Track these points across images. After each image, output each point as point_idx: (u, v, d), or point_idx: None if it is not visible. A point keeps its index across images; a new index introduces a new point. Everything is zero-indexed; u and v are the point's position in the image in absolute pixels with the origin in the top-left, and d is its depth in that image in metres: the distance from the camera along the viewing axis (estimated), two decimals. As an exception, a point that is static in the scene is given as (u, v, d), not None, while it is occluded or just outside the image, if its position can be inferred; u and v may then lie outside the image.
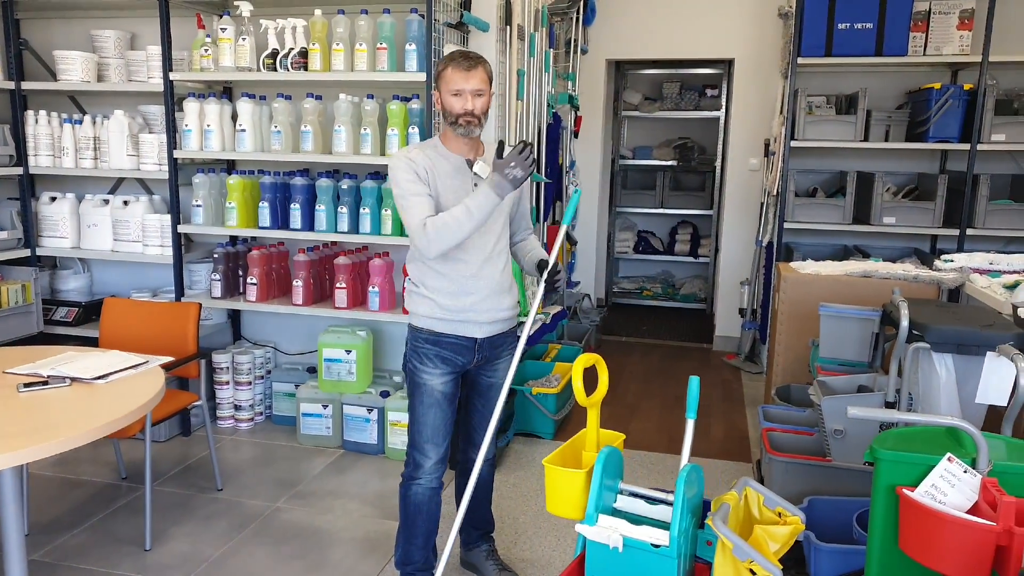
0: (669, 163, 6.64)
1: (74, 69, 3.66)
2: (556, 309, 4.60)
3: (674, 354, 5.49)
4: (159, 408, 2.91)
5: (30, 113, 3.76)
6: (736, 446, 3.80)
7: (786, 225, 4.54)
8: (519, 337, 2.49)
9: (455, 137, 2.28)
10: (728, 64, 5.68)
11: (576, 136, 5.31)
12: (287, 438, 3.76)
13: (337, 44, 3.32)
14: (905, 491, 1.79)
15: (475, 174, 2.29)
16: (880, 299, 3.04)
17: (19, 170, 3.73)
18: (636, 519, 1.94)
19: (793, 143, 4.45)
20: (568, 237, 5.28)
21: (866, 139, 4.43)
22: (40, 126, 3.74)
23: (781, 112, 4.66)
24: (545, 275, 2.34)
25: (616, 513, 1.97)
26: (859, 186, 4.53)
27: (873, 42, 4.32)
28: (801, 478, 2.64)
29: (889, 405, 2.48)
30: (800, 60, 4.36)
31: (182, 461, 3.50)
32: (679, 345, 5.73)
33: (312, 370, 3.92)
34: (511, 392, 3.74)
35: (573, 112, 5.13)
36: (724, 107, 6.20)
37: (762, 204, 5.01)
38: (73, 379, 2.33)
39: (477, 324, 2.32)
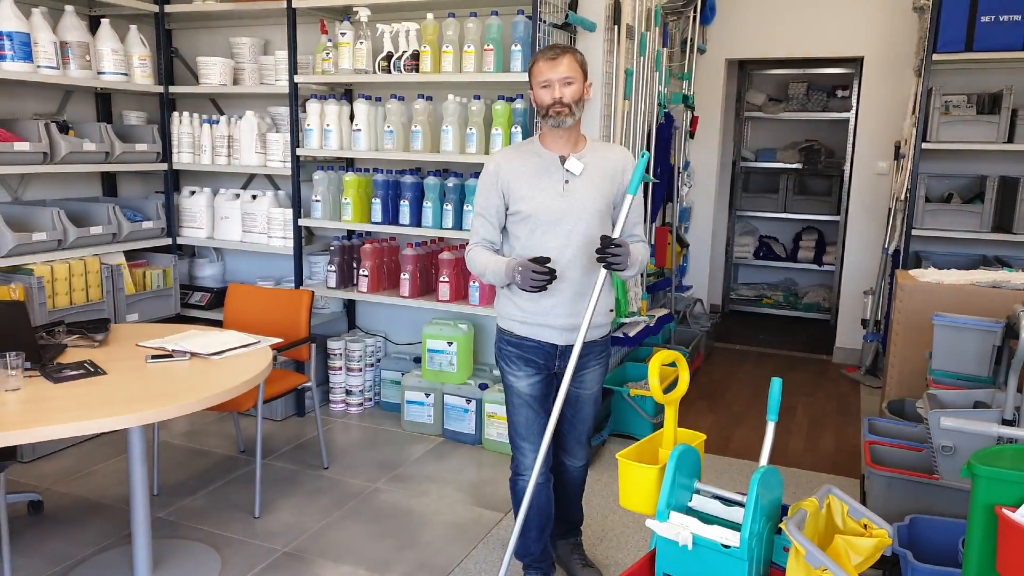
0: (794, 166, 6.38)
1: (214, 73, 4.00)
2: (662, 312, 4.54)
3: (790, 364, 5.26)
4: (272, 386, 3.13)
5: (176, 114, 4.13)
6: (845, 461, 3.61)
7: (915, 232, 4.26)
8: (608, 345, 2.43)
9: (551, 132, 2.24)
10: (858, 62, 5.39)
11: (692, 137, 5.22)
12: (392, 423, 3.93)
13: (447, 46, 3.44)
14: (1005, 511, 1.66)
15: (567, 170, 2.23)
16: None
17: (164, 166, 4.12)
18: (710, 519, 1.90)
19: (925, 145, 4.17)
20: (680, 240, 5.19)
21: (1010, 140, 4.09)
22: (183, 126, 4.11)
23: (913, 112, 4.38)
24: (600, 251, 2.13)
25: (690, 512, 1.94)
26: (1001, 192, 4.18)
27: (1022, 35, 3.98)
28: (905, 495, 2.48)
29: (1007, 423, 2.29)
30: (936, 56, 4.08)
31: (295, 439, 3.73)
32: (796, 356, 5.49)
33: (418, 360, 4.07)
34: (607, 392, 3.74)
35: (688, 112, 5.04)
36: (854, 108, 5.88)
37: (890, 210, 4.72)
38: (193, 354, 2.56)
39: (556, 329, 2.28)
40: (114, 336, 2.77)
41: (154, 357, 2.52)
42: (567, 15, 3.41)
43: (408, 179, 3.68)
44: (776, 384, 1.94)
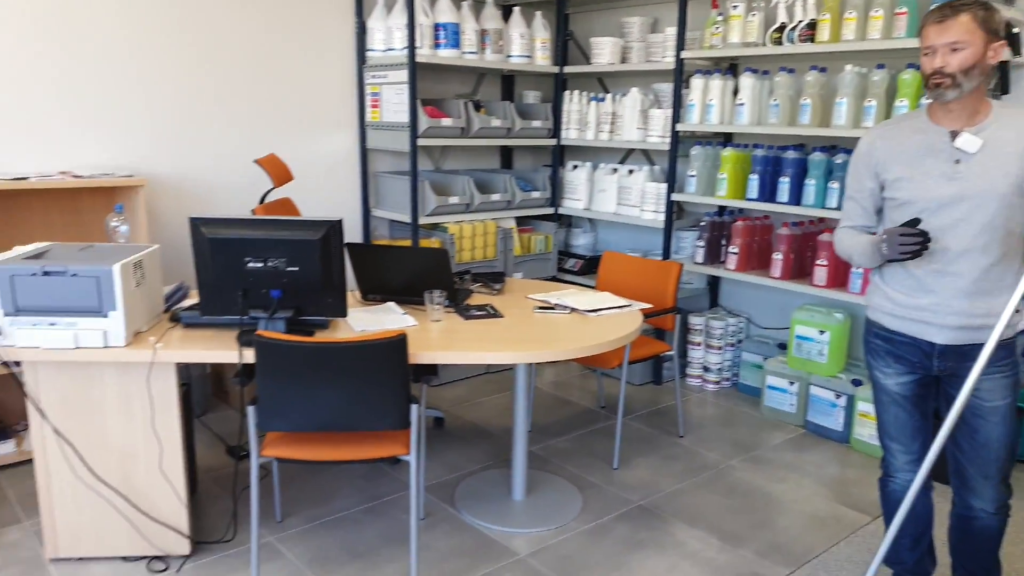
0: None
1: (603, 53, 4.24)
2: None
3: None
4: (636, 350, 3.26)
5: (567, 93, 4.48)
6: None
7: None
8: (1012, 351, 1.98)
9: (940, 105, 1.92)
10: None
11: None
12: (749, 406, 3.84)
13: (849, 12, 3.20)
14: None
15: (957, 148, 1.88)
16: None
17: (553, 141, 4.50)
18: None
19: None
20: None
21: None
22: (573, 103, 4.43)
23: None
24: None
25: None
26: None
27: None
28: None
29: None
30: None
31: (651, 405, 3.85)
32: None
33: (782, 346, 3.91)
34: (1019, 411, 3.19)
35: None
36: None
37: None
38: (572, 309, 2.77)
39: (937, 327, 1.96)
40: (507, 288, 3.13)
41: (540, 308, 2.79)
42: (1004, -36, 2.94)
43: (791, 155, 3.52)
44: None
